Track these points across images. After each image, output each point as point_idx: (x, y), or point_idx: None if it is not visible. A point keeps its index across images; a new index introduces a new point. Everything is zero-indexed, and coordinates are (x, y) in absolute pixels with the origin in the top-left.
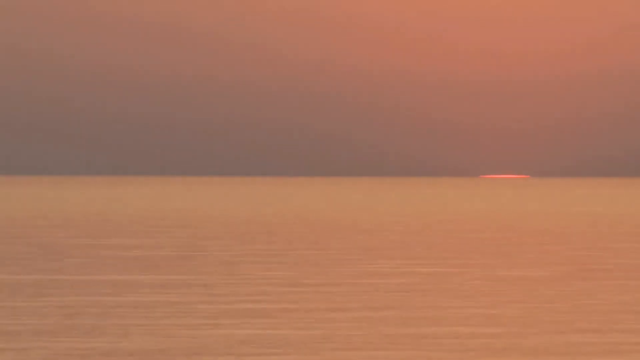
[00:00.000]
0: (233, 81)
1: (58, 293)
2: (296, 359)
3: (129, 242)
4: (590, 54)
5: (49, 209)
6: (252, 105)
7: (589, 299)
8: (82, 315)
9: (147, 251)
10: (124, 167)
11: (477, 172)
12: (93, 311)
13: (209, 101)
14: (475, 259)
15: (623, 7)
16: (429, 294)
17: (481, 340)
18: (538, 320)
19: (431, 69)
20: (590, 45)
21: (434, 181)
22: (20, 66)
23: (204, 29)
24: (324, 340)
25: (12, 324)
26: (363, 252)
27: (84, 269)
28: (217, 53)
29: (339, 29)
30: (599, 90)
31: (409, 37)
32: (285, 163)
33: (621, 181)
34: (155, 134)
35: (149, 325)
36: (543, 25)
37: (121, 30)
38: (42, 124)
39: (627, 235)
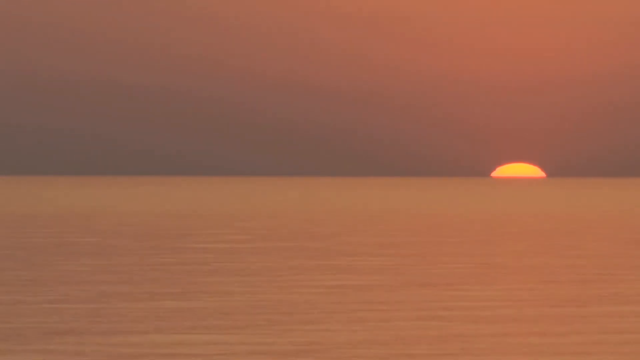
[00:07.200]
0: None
1: None
2: None
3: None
4: (613, 50)
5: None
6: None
7: None
8: None
9: None
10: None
11: (487, 172)
12: None
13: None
14: None
15: None
16: None
17: None
18: None
19: (445, 67)
20: (611, 42)
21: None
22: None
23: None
24: None
25: None
26: None
27: None
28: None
29: (347, 27)
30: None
31: (423, 36)
32: (283, 163)
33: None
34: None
35: None
36: (562, 23)
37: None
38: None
39: None
